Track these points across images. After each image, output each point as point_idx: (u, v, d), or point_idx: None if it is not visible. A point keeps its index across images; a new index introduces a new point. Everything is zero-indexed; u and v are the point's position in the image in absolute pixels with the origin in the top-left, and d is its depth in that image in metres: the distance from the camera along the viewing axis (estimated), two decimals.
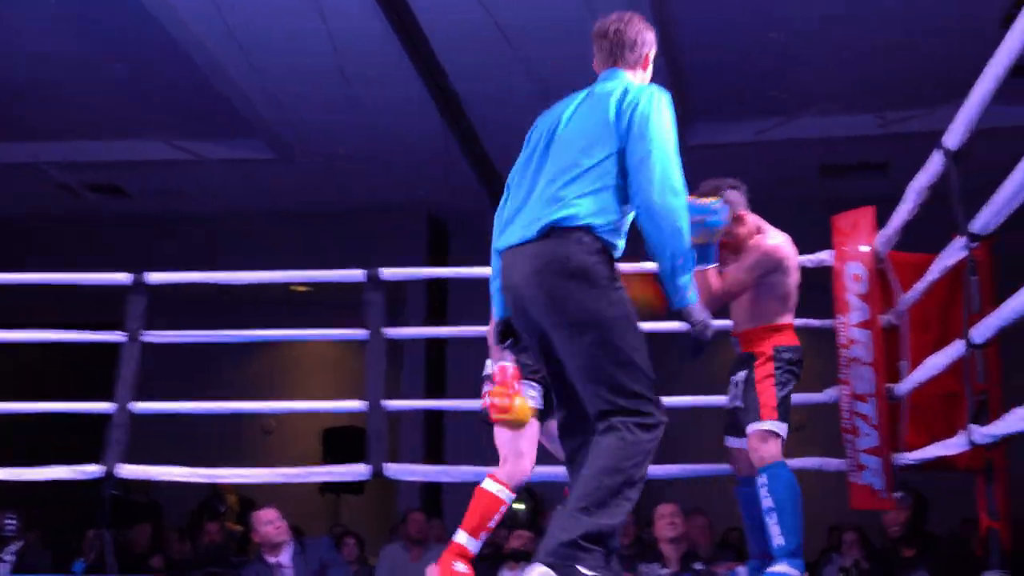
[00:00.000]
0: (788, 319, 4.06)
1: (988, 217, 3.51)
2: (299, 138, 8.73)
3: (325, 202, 9.97)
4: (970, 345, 3.49)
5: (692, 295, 2.90)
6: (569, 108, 3.08)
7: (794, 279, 4.08)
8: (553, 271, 2.85)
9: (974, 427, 3.41)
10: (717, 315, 3.90)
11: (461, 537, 3.87)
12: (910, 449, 4.43)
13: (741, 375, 4.04)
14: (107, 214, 10.29)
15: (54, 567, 6.87)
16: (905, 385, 4.39)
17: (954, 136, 3.58)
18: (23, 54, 7.50)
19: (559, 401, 3.11)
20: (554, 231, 2.87)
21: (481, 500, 3.92)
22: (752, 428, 3.92)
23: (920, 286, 4.30)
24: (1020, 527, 6.45)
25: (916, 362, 4.30)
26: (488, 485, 3.94)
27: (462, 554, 3.86)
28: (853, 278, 4.58)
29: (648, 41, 3.20)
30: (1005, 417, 3.11)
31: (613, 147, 2.93)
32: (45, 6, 6.88)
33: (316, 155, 9.04)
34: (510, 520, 8.30)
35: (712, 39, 7.32)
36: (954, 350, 3.82)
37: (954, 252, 3.92)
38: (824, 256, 4.82)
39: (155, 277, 5.03)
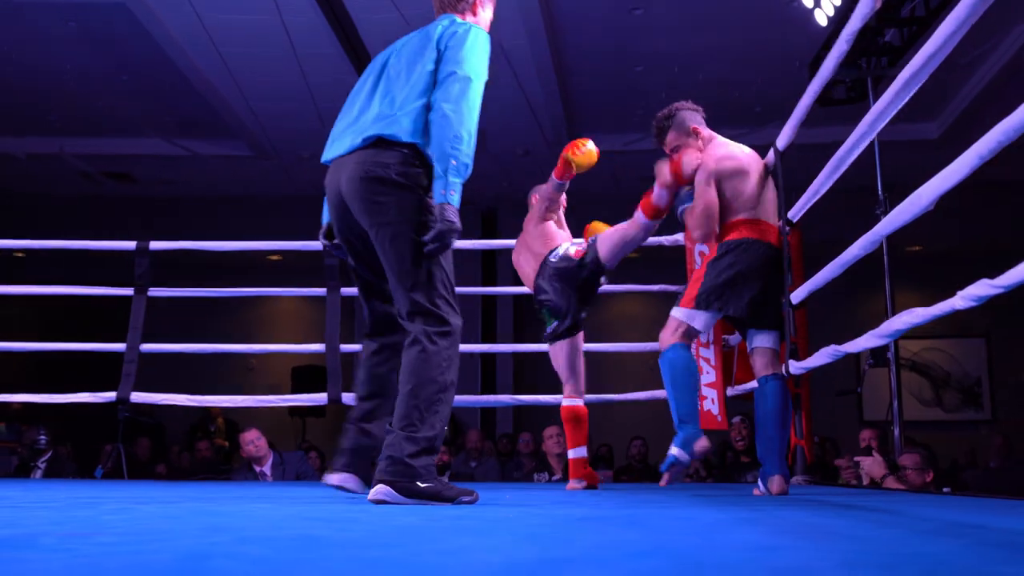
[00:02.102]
0: (740, 215, 3.37)
1: (798, 208, 3.59)
2: (271, 141, 8.59)
3: (293, 191, 9.83)
4: (787, 306, 3.56)
5: (455, 198, 2.43)
6: (402, 41, 2.71)
7: (740, 182, 3.38)
8: (377, 176, 2.49)
9: (791, 362, 3.49)
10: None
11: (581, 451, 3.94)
12: (739, 383, 4.52)
13: None
14: (119, 196, 10.05)
15: (79, 473, 6.73)
16: (736, 336, 4.47)
17: (782, 141, 3.63)
18: (50, 66, 7.26)
19: (367, 305, 2.77)
20: (381, 142, 2.52)
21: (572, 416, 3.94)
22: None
23: None
24: (820, 444, 6.65)
25: None
26: (571, 403, 3.94)
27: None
28: (700, 254, 4.65)
29: None
30: (814, 355, 3.19)
31: (431, 67, 2.56)
32: (68, 28, 6.66)
33: (284, 154, 8.91)
34: None
35: (593, 70, 7.35)
36: None
37: None
38: (678, 237, 4.89)
39: (157, 244, 4.96)
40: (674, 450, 3.19)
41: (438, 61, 2.56)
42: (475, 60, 2.55)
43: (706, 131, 3.56)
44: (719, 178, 3.38)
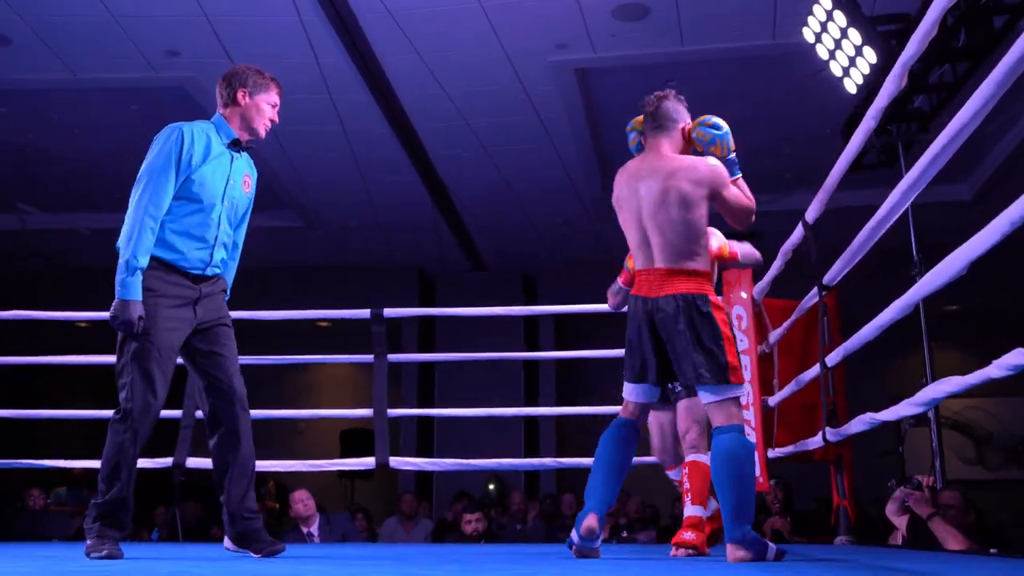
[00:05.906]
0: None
1: (834, 273, 3.56)
2: (320, 211, 8.74)
3: (341, 261, 9.95)
4: (824, 367, 3.52)
5: (121, 291, 2.66)
6: None
7: (623, 213, 2.83)
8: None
9: (828, 428, 3.43)
10: None
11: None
12: (780, 445, 4.44)
13: None
14: None
15: (134, 537, 6.74)
16: (776, 397, 4.42)
17: (812, 212, 3.63)
18: (114, 146, 7.47)
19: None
20: None
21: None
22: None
23: (786, 324, 4.34)
24: (860, 503, 6.49)
25: (783, 380, 4.33)
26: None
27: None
28: (737, 317, 4.61)
29: (235, 84, 2.91)
30: (851, 423, 3.13)
31: None
32: (131, 111, 6.88)
33: (334, 224, 9.04)
34: (481, 500, 8.24)
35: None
36: (812, 371, 3.85)
37: (810, 298, 3.96)
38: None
39: None
40: (573, 533, 2.64)
41: None
42: (152, 160, 2.84)
43: (651, 139, 2.94)
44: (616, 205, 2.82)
